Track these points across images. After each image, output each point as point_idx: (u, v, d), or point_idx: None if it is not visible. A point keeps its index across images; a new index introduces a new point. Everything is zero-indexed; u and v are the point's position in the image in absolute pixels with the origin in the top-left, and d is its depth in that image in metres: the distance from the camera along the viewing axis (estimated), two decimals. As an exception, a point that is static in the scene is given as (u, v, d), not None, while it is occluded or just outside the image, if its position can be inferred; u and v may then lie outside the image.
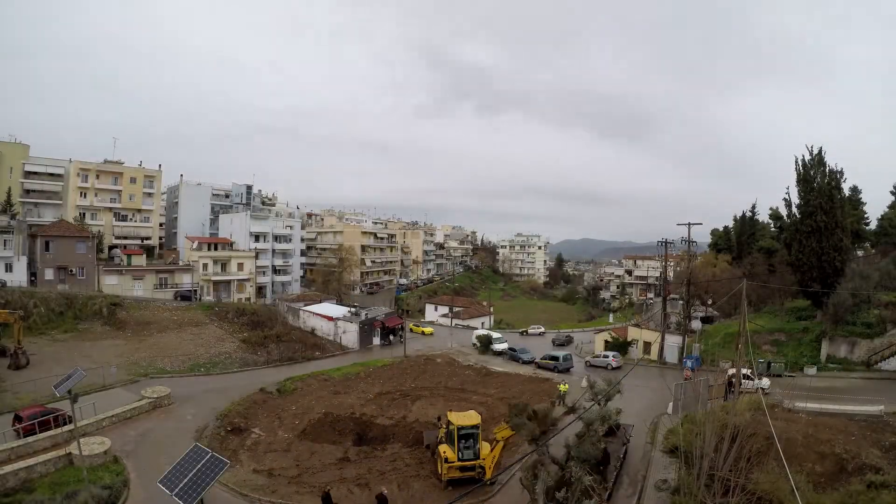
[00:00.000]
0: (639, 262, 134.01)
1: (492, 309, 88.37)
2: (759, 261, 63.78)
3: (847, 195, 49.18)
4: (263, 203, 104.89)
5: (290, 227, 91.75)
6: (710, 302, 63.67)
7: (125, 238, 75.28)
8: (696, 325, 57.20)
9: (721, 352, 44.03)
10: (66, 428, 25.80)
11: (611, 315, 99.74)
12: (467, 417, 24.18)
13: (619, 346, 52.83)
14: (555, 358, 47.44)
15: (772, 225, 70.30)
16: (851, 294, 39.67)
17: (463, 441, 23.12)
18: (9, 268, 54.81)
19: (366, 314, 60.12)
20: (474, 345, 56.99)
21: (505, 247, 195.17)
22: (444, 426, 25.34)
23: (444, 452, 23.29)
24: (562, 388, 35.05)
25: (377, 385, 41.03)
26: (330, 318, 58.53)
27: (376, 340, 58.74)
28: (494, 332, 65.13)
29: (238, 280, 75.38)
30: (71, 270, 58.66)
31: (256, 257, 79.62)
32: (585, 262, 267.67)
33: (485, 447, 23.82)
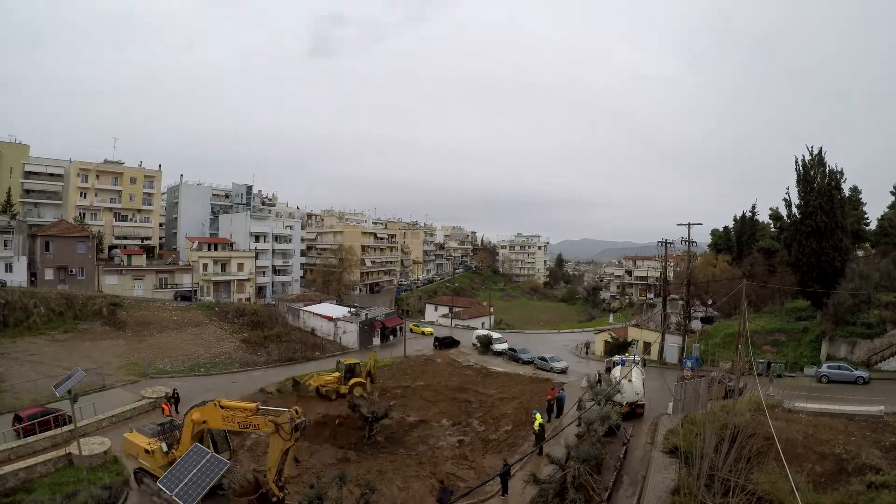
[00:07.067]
0: (639, 263, 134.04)
1: (492, 309, 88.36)
2: (759, 261, 63.73)
3: (847, 195, 49.15)
4: (263, 203, 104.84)
5: (290, 228, 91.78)
6: (710, 302, 63.68)
7: (125, 238, 75.26)
8: (696, 325, 57.21)
9: (721, 352, 44.01)
10: (66, 428, 25.80)
11: (611, 315, 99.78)
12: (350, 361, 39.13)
13: (620, 346, 52.86)
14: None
15: (772, 225, 70.29)
16: (851, 294, 39.66)
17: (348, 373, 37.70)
18: (9, 268, 54.80)
19: (366, 314, 60.13)
20: (474, 345, 56.96)
21: (505, 247, 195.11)
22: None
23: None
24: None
25: (377, 385, 41.00)
26: (330, 319, 58.54)
27: (376, 341, 58.75)
28: (494, 331, 65.11)
29: (238, 280, 75.41)
30: (71, 270, 58.66)
31: (256, 257, 79.64)
32: (585, 263, 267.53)
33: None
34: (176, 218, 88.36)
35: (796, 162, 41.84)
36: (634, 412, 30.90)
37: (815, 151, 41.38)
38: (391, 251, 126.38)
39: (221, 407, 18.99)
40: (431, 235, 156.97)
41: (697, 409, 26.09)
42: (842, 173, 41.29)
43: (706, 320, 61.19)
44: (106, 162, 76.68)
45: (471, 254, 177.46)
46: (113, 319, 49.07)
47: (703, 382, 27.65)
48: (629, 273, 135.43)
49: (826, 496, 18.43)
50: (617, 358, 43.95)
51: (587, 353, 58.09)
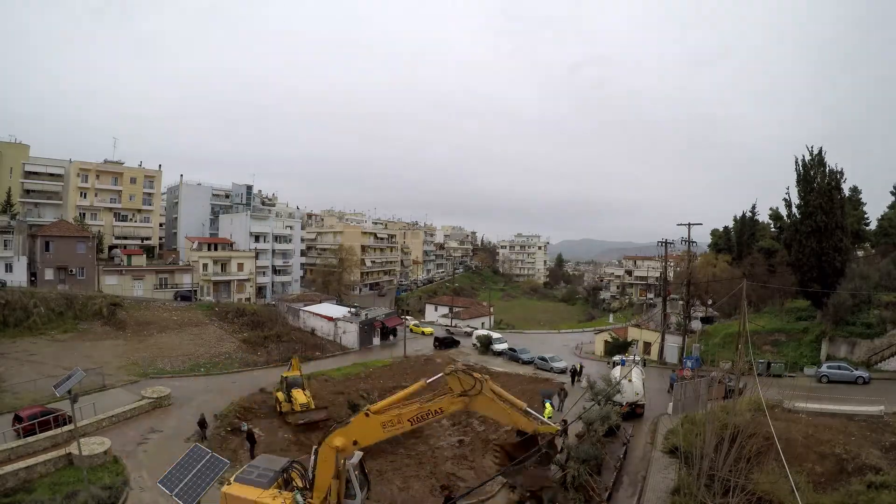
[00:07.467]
0: (639, 263, 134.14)
1: (492, 309, 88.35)
2: (759, 261, 63.73)
3: (847, 195, 49.16)
4: (263, 203, 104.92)
5: (290, 228, 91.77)
6: (710, 302, 63.71)
7: (125, 238, 75.28)
8: (696, 325, 57.26)
9: (721, 352, 44.04)
10: (66, 428, 25.76)
11: (611, 315, 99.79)
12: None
13: (620, 346, 52.86)
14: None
15: (772, 225, 70.28)
16: (851, 294, 39.69)
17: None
18: (9, 268, 54.79)
19: (366, 314, 60.12)
20: (474, 345, 56.96)
21: (505, 247, 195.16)
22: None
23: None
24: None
25: (377, 385, 41.02)
26: (330, 319, 58.52)
27: (376, 341, 58.76)
28: (494, 331, 65.12)
29: (238, 280, 75.40)
30: (71, 270, 58.65)
31: (256, 257, 79.63)
32: (585, 263, 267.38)
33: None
34: (176, 218, 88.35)
35: (796, 162, 41.85)
36: (634, 412, 30.94)
37: (815, 151, 41.41)
38: (391, 251, 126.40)
39: (374, 413, 15.51)
40: (431, 235, 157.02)
41: (697, 409, 26.09)
42: (842, 173, 41.28)
43: (706, 320, 61.22)
44: (106, 162, 76.72)
45: (471, 254, 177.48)
46: (113, 319, 49.01)
47: (703, 382, 27.65)
48: (629, 273, 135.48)
49: (826, 496, 18.44)
50: (617, 358, 43.99)
51: (577, 378, 41.47)
